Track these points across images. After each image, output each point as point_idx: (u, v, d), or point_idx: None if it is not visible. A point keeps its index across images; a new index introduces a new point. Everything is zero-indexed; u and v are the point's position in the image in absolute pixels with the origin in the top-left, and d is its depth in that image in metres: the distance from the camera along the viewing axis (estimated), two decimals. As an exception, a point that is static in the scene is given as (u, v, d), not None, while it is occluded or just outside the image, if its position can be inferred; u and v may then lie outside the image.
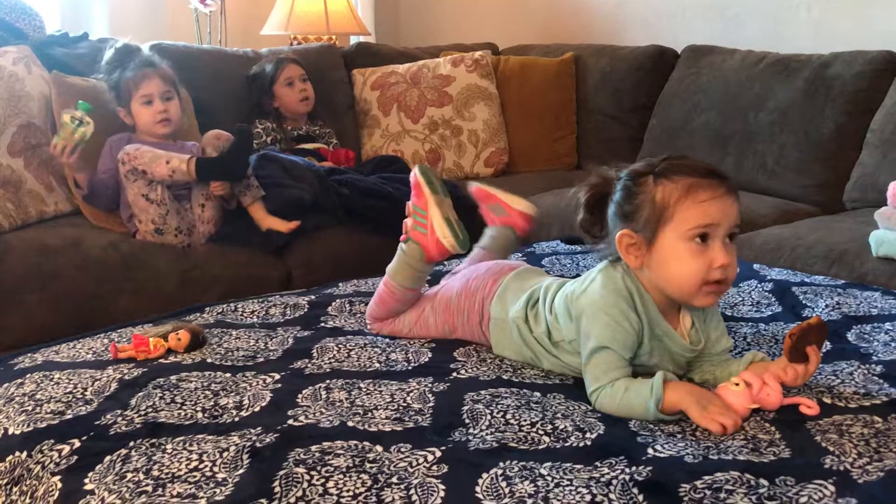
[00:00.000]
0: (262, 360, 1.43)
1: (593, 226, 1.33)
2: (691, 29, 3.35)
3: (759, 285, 1.78)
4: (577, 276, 1.40)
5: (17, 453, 1.16)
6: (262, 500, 0.99)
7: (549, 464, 1.06)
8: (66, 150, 2.32)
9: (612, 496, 0.99)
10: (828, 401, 1.24)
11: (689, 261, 1.22)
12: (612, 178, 1.30)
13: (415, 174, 1.52)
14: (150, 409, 1.23)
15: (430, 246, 1.47)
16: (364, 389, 1.29)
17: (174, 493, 1.02)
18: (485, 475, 1.04)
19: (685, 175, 1.23)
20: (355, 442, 1.12)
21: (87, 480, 1.07)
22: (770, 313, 1.64)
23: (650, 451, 1.09)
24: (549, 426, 1.16)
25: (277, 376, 1.35)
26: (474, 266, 1.54)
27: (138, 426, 1.18)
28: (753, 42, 3.09)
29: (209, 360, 1.42)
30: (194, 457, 1.09)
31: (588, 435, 1.14)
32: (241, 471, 1.06)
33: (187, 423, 1.19)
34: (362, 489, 1.01)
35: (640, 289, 1.27)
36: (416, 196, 1.51)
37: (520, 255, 2.04)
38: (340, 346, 1.48)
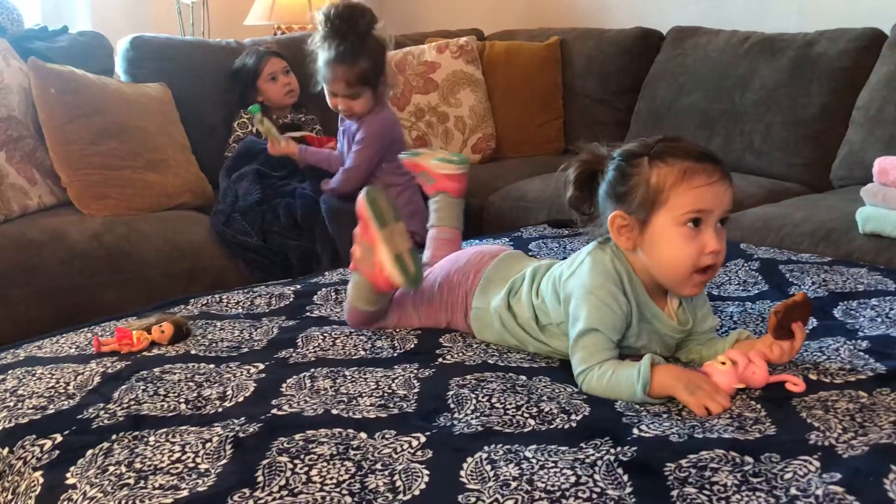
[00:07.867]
0: (246, 350, 1.42)
1: (583, 203, 1.31)
2: (676, 10, 3.34)
3: (745, 264, 1.77)
4: (565, 259, 1.39)
5: (-1, 449, 1.16)
6: (245, 490, 0.98)
7: (534, 446, 1.06)
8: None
9: (596, 477, 0.99)
10: (813, 377, 1.23)
11: (681, 245, 1.21)
12: (603, 156, 1.28)
13: (360, 201, 1.40)
14: (132, 402, 1.22)
15: (378, 281, 1.40)
16: (349, 377, 1.28)
17: (156, 485, 1.01)
18: (469, 459, 1.03)
19: (681, 158, 1.21)
20: (339, 429, 1.11)
21: (69, 475, 1.06)
22: (757, 292, 1.64)
23: (635, 431, 1.09)
24: (535, 409, 1.16)
25: (262, 366, 1.34)
26: (454, 256, 1.52)
27: (121, 419, 1.17)
28: (738, 22, 3.08)
29: (193, 352, 1.41)
30: (177, 448, 1.08)
31: (573, 417, 1.14)
32: (223, 461, 1.05)
33: (170, 414, 1.18)
34: (346, 476, 1.00)
35: (629, 270, 1.26)
36: (362, 228, 1.40)
37: (507, 240, 2.03)
38: (326, 334, 1.47)
